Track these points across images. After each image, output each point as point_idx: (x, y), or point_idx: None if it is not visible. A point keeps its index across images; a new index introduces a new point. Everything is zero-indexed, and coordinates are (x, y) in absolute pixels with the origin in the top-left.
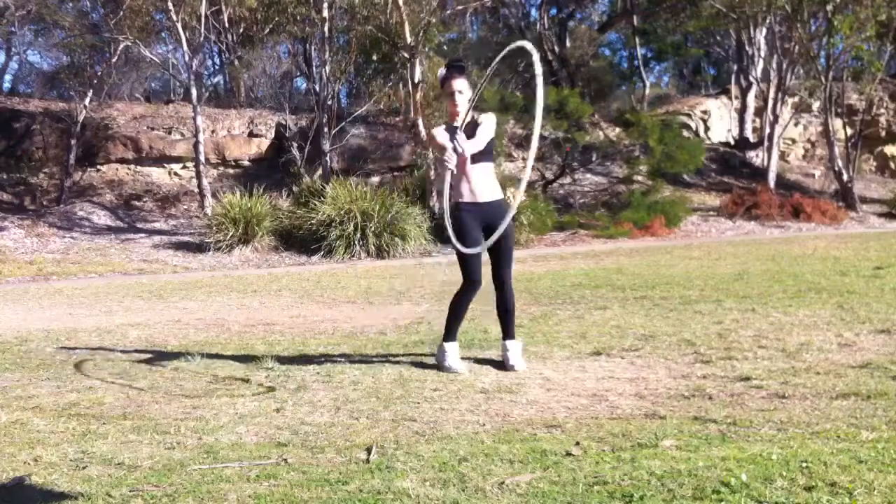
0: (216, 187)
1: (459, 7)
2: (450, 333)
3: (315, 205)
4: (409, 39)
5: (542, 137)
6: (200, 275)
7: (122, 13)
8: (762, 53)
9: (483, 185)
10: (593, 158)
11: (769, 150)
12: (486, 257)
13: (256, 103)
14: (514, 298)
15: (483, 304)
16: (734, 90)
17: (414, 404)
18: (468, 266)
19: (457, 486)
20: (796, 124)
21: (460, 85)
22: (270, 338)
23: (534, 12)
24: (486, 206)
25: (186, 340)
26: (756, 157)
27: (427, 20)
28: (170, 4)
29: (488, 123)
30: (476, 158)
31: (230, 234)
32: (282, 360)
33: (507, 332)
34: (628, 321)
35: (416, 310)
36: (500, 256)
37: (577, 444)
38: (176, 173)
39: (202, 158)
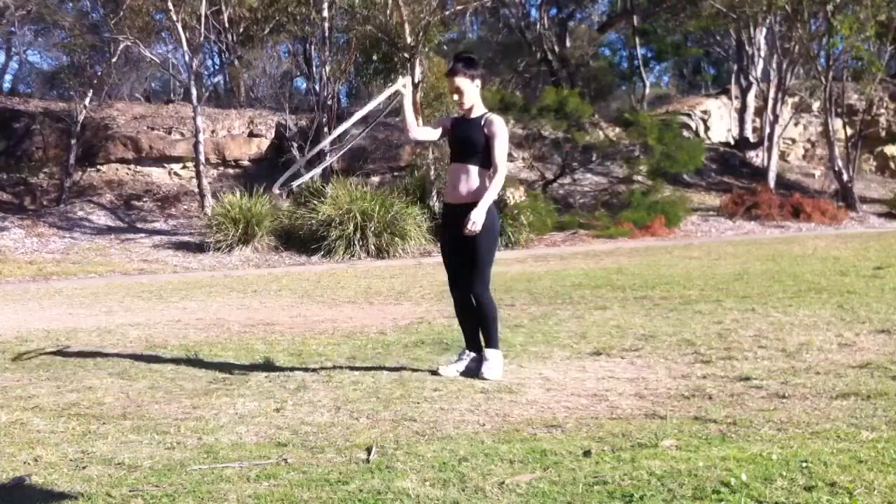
0: (216, 187)
1: (459, 7)
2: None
3: (315, 205)
4: (409, 39)
5: (542, 137)
6: (200, 275)
7: (122, 13)
8: (762, 53)
9: (456, 186)
10: (593, 158)
11: (769, 150)
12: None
13: (256, 103)
14: (487, 310)
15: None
16: (734, 90)
17: (414, 404)
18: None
19: (457, 486)
20: (796, 124)
21: (459, 82)
22: (270, 338)
23: (534, 12)
24: (457, 208)
25: (186, 340)
26: (756, 157)
27: (427, 20)
28: (170, 4)
29: (500, 140)
30: (457, 157)
31: (230, 234)
32: (282, 360)
33: (485, 342)
34: (628, 321)
35: (416, 310)
36: (459, 261)
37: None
38: (176, 173)
39: (202, 158)
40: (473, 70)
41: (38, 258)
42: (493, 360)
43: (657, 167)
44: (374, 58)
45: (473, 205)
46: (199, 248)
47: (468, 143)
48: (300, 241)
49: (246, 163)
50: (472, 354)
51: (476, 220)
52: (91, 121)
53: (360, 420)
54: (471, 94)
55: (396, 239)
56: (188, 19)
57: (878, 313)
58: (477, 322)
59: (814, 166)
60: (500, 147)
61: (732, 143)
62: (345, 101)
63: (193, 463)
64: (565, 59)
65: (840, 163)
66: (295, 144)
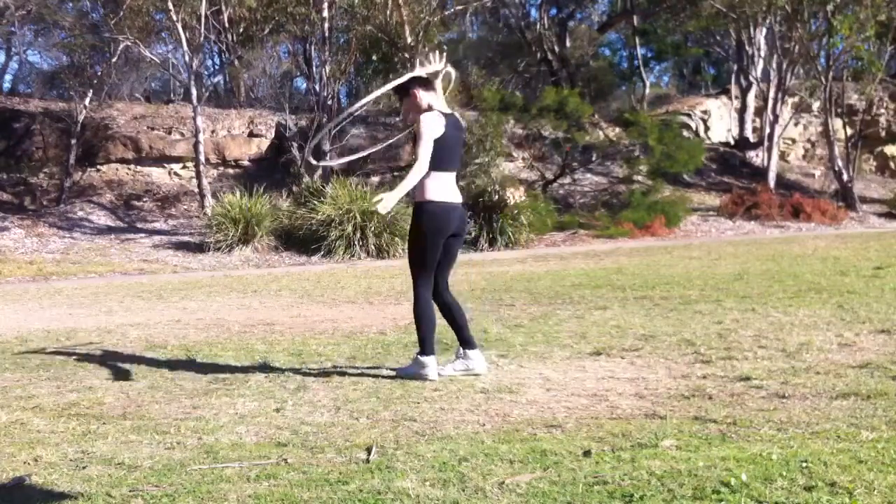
0: (216, 187)
1: (459, 7)
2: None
3: (315, 205)
4: (409, 39)
5: (542, 137)
6: (200, 275)
7: (122, 13)
8: (762, 53)
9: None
10: (593, 158)
11: (769, 149)
12: (473, 260)
13: (256, 103)
14: (415, 307)
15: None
16: (734, 90)
17: (414, 404)
18: None
19: (457, 486)
20: (796, 124)
21: (404, 103)
22: (270, 338)
23: (534, 12)
24: None
25: (186, 340)
26: (756, 157)
27: (427, 20)
28: (170, 4)
29: (419, 135)
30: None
31: (230, 234)
32: (282, 360)
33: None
34: (628, 321)
35: None
36: None
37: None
38: (176, 173)
39: (202, 158)
40: (411, 85)
41: (38, 258)
42: (413, 364)
43: (657, 167)
44: (374, 58)
45: (418, 204)
46: (199, 248)
47: (413, 144)
48: (300, 241)
49: (246, 163)
50: (469, 352)
51: (382, 198)
52: (91, 121)
53: (360, 420)
54: (412, 106)
55: (396, 239)
56: (188, 19)
57: (878, 313)
58: (452, 320)
59: (814, 166)
60: (419, 141)
61: (732, 143)
62: (345, 101)
63: (193, 463)
64: (565, 59)
65: (840, 163)
66: (295, 144)
